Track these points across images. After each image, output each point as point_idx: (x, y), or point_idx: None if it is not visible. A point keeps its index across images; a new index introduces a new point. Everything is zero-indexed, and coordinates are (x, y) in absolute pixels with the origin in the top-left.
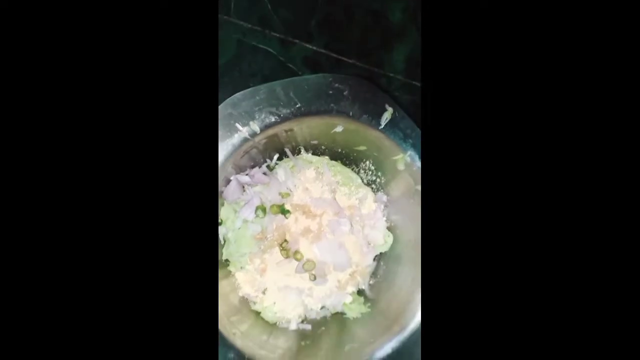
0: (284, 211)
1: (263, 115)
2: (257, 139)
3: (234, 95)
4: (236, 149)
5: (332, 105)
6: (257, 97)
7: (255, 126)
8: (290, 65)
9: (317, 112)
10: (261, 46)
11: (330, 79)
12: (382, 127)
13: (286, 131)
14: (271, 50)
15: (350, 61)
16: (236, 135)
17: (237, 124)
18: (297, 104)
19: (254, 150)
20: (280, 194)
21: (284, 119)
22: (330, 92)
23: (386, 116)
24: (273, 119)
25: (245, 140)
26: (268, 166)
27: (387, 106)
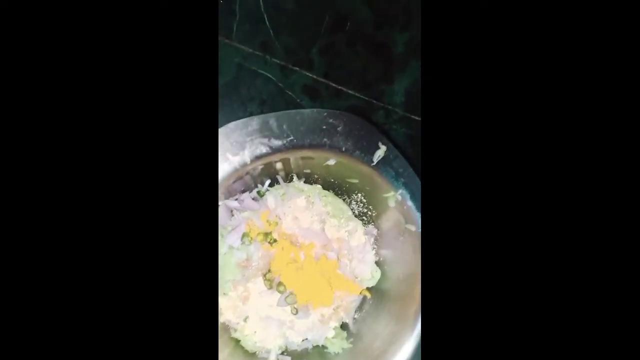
0: (270, 240)
1: (254, 146)
2: (248, 167)
3: (227, 124)
4: (225, 178)
5: (325, 139)
6: (250, 128)
7: (246, 156)
8: (289, 92)
9: (310, 146)
10: (261, 71)
11: (325, 114)
12: (374, 164)
13: (282, 160)
14: (271, 76)
15: (349, 91)
16: (226, 165)
17: (227, 154)
18: (289, 136)
19: (247, 175)
20: (267, 221)
21: (275, 151)
22: (324, 127)
23: (379, 154)
24: (264, 150)
25: (235, 170)
26: (258, 192)
27: (380, 144)
